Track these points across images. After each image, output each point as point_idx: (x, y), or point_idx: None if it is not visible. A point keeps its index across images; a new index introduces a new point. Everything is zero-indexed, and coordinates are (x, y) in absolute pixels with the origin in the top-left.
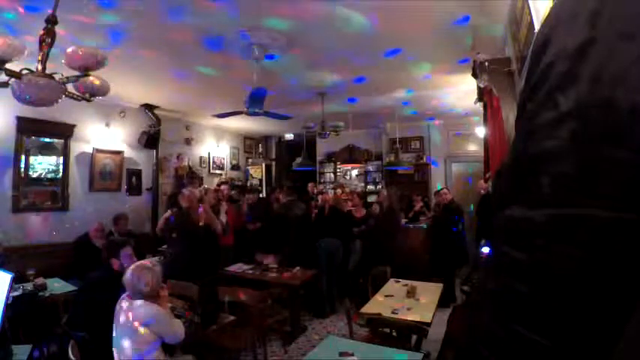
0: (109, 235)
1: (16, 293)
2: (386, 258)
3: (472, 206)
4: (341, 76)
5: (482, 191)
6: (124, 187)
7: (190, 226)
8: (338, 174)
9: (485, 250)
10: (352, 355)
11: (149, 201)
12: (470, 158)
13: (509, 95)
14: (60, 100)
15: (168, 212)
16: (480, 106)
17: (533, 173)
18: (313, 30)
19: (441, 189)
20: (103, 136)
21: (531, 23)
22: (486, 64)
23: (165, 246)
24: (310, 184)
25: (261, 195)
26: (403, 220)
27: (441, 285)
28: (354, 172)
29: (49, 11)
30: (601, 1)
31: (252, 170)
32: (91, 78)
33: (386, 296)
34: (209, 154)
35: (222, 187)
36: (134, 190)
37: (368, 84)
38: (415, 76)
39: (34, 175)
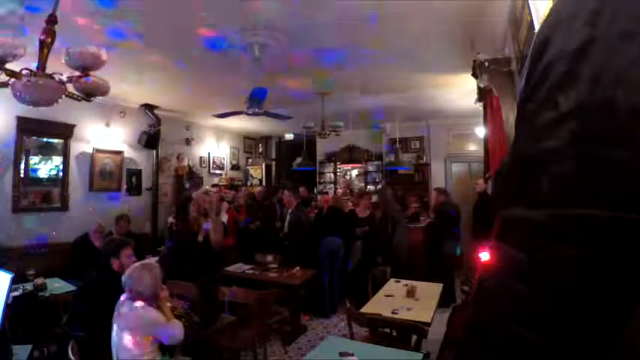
0: (109, 235)
1: (16, 293)
2: (386, 258)
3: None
4: (341, 74)
5: (477, 188)
6: (124, 187)
7: (187, 240)
8: (338, 174)
9: (484, 250)
10: (352, 355)
11: (149, 201)
12: (470, 158)
13: (509, 95)
14: (60, 100)
15: (171, 219)
16: (479, 106)
17: (533, 173)
18: (312, 27)
19: (435, 189)
20: (103, 136)
21: (531, 23)
22: (486, 64)
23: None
24: (302, 189)
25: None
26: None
27: (441, 285)
28: (354, 172)
29: (49, 11)
30: (601, 1)
31: (252, 170)
32: (91, 78)
33: (386, 296)
34: (209, 154)
35: (214, 188)
36: (134, 190)
37: (367, 82)
38: (415, 75)
39: (34, 175)
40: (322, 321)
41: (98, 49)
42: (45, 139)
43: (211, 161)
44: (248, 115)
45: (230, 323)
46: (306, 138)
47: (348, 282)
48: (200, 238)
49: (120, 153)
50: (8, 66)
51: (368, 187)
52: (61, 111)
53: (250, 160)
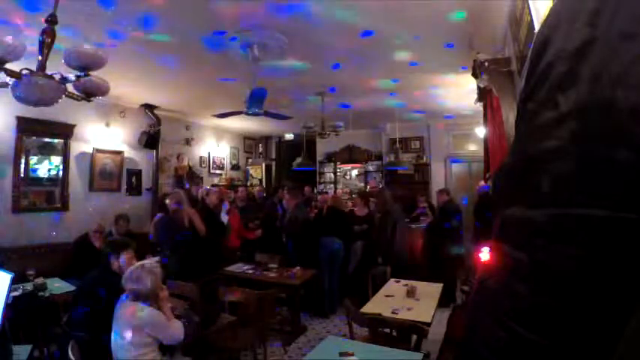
0: (109, 236)
1: (16, 293)
2: (385, 258)
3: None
4: (342, 74)
5: (478, 189)
6: (124, 187)
7: (176, 228)
8: (338, 174)
9: (484, 250)
10: (352, 355)
11: (149, 201)
12: (470, 158)
13: (509, 95)
14: (60, 100)
15: (158, 216)
16: (479, 106)
17: (533, 173)
18: (312, 27)
19: (441, 189)
20: (103, 136)
21: (531, 23)
22: (486, 64)
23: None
24: (307, 188)
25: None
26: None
27: (441, 285)
28: (354, 172)
29: (49, 11)
30: (601, 1)
31: (252, 170)
32: (90, 78)
33: (386, 296)
34: (209, 154)
35: (214, 188)
36: (134, 190)
37: (368, 82)
38: (415, 75)
39: (34, 175)
40: (322, 321)
41: (98, 49)
42: (45, 139)
43: (211, 161)
44: (248, 115)
45: (230, 323)
46: (306, 138)
47: (348, 282)
48: (186, 223)
49: (120, 153)
50: (8, 66)
51: (368, 187)
52: (61, 111)
53: (250, 160)
